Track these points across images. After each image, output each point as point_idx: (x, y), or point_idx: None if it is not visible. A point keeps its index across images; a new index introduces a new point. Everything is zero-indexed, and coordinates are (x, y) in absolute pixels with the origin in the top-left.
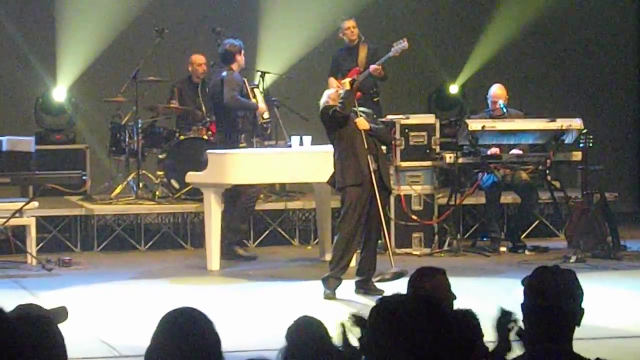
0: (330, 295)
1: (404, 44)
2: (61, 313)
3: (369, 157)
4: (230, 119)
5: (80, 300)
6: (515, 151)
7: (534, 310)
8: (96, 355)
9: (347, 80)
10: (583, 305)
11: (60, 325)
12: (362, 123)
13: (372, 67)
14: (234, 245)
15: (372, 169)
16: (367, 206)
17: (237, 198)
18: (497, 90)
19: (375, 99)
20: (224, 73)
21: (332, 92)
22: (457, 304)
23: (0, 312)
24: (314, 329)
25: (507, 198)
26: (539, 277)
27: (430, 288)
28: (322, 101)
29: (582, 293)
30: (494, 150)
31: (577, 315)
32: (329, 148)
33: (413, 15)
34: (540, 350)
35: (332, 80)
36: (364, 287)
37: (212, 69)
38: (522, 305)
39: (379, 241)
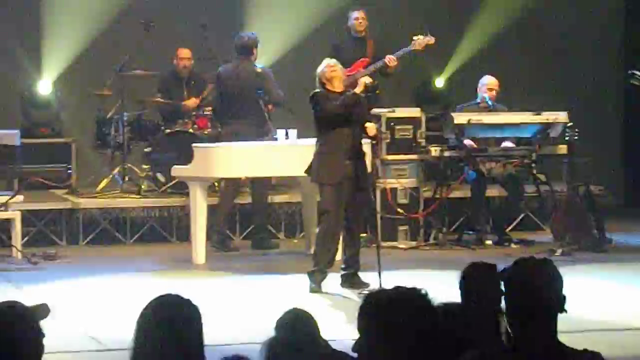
0: (316, 289)
1: (429, 38)
2: (43, 310)
3: (350, 159)
4: (261, 111)
5: (65, 294)
6: (506, 143)
7: (515, 303)
8: (82, 348)
9: (364, 80)
10: (565, 293)
11: (44, 321)
12: (371, 129)
13: (389, 57)
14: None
15: (350, 171)
16: (347, 202)
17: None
18: (491, 79)
19: (377, 92)
20: (259, 66)
21: (327, 71)
22: (444, 298)
23: None
24: (304, 321)
25: (493, 191)
26: (517, 270)
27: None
28: (318, 74)
29: (562, 280)
30: (469, 142)
31: (558, 302)
32: (313, 141)
33: (397, 8)
34: (524, 340)
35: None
36: (350, 280)
37: (222, 61)
38: (504, 298)
39: (364, 235)
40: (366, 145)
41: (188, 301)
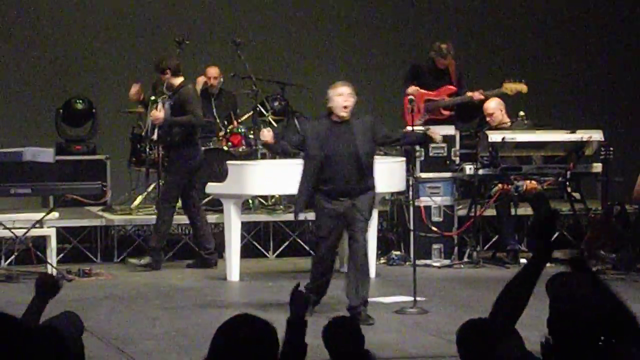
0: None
1: (522, 85)
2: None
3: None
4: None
5: (99, 311)
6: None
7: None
8: None
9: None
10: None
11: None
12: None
13: (477, 94)
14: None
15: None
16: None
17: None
18: (488, 104)
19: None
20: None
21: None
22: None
23: (17, 322)
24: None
25: (528, 210)
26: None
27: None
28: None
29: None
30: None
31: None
32: None
33: (440, 23)
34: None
35: (413, 88)
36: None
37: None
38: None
39: (397, 253)
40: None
41: (265, 322)
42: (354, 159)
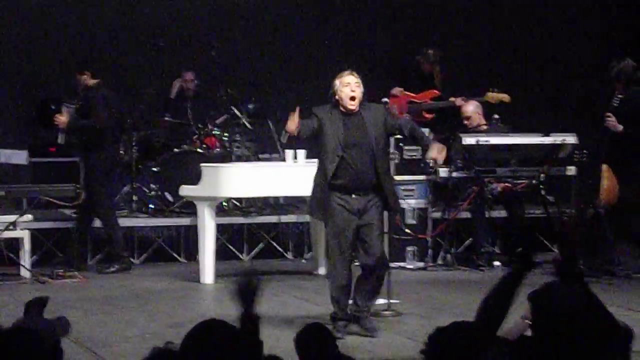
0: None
1: (503, 95)
2: (64, 326)
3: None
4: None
5: (73, 314)
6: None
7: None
8: None
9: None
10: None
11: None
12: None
13: (460, 103)
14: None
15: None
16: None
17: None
18: (465, 108)
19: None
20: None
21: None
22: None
23: None
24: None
25: (502, 212)
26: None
27: None
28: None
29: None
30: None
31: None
32: None
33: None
34: None
35: (397, 89)
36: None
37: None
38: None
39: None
40: None
41: (233, 327)
42: (368, 152)
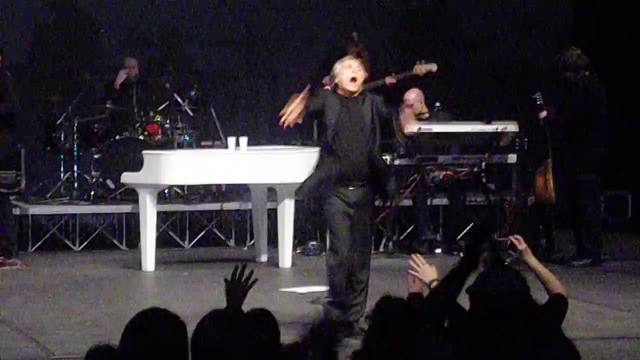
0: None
1: (431, 65)
2: None
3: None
4: None
5: (13, 301)
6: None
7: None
8: (30, 356)
9: None
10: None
11: None
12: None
13: (390, 78)
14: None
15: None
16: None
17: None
18: (408, 96)
19: None
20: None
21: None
22: None
23: None
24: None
25: (443, 200)
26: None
27: None
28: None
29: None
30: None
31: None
32: (265, 149)
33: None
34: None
35: (327, 78)
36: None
37: None
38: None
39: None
40: None
41: (174, 316)
42: (364, 139)
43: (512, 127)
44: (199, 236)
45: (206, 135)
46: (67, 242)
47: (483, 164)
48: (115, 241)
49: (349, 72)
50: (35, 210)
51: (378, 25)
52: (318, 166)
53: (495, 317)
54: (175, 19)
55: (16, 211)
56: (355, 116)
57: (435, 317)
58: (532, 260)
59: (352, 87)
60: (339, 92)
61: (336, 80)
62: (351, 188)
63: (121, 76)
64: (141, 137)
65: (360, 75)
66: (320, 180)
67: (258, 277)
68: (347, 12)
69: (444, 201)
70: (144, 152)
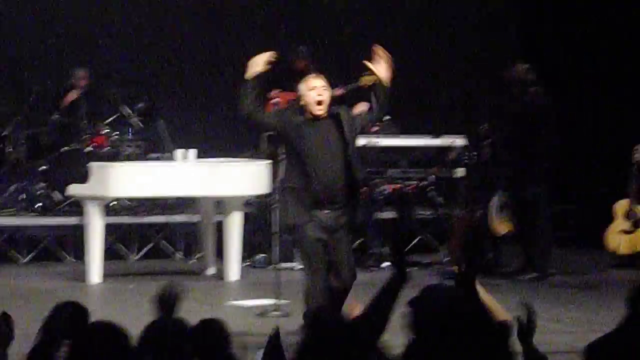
0: None
1: (374, 77)
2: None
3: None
4: None
5: None
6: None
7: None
8: None
9: None
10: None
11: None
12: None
13: (339, 91)
14: None
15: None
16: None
17: None
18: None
19: None
20: None
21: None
22: None
23: None
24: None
25: (391, 214)
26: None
27: None
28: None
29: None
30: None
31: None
32: (213, 161)
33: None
34: None
35: (274, 92)
36: None
37: None
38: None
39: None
40: None
41: (118, 328)
42: (339, 159)
43: (459, 141)
44: (146, 248)
45: (153, 147)
46: (14, 254)
47: (431, 177)
48: (63, 253)
49: (314, 95)
50: None
51: (326, 38)
52: (290, 192)
53: (442, 331)
54: (124, 29)
55: None
56: (326, 138)
57: (371, 334)
58: (480, 290)
59: (319, 112)
60: (307, 114)
61: (302, 102)
62: (326, 211)
63: (72, 95)
64: (89, 149)
65: (326, 96)
66: (296, 209)
67: (205, 290)
68: (299, 24)
69: (392, 214)
70: (91, 163)
